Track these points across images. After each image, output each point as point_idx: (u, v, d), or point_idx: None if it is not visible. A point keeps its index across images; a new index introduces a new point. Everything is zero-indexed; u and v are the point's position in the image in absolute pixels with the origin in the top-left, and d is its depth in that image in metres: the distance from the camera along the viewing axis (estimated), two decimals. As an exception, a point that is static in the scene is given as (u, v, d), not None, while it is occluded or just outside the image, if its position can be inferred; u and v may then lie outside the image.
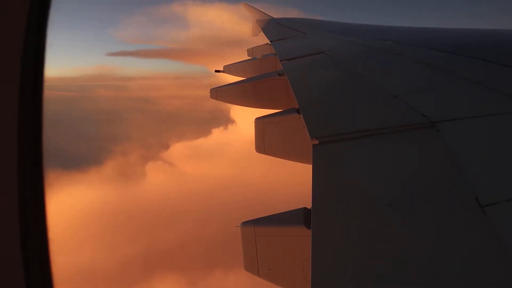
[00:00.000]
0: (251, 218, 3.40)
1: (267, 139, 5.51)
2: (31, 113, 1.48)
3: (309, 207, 2.65)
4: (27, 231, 1.44)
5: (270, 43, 12.10)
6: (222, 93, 8.46)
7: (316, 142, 3.42)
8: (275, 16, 19.68)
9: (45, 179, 1.53)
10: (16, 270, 1.41)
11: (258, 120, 5.61)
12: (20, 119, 1.41)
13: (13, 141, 1.41)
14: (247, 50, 13.88)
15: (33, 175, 1.48)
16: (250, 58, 12.65)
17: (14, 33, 1.40)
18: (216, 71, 11.36)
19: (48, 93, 1.52)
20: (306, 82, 6.36)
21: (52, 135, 1.52)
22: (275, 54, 9.80)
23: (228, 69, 11.19)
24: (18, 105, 1.40)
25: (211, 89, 8.59)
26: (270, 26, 16.39)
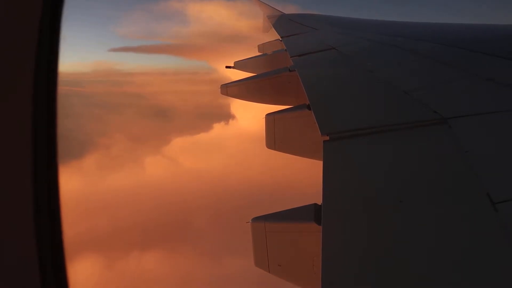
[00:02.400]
0: (261, 214, 3.41)
1: (277, 135, 5.50)
2: (45, 109, 1.50)
3: (320, 203, 2.66)
4: (41, 226, 1.46)
5: (280, 39, 12.06)
6: (233, 89, 8.45)
7: (327, 138, 3.42)
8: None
9: (59, 174, 1.55)
10: (31, 267, 1.43)
11: (269, 116, 5.60)
12: (34, 116, 1.43)
13: (27, 137, 1.43)
14: (258, 46, 13.84)
15: (47, 170, 1.50)
16: (260, 54, 12.62)
17: (29, 30, 1.42)
18: (226, 67, 11.35)
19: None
20: (316, 78, 6.34)
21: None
22: (285, 50, 9.77)
23: (238, 65, 11.17)
24: (32, 101, 1.43)
25: (221, 85, 8.59)
26: (280, 22, 16.34)
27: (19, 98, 1.43)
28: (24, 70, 1.43)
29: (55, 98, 1.54)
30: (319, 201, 2.64)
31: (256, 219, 3.36)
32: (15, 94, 1.43)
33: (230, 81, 8.73)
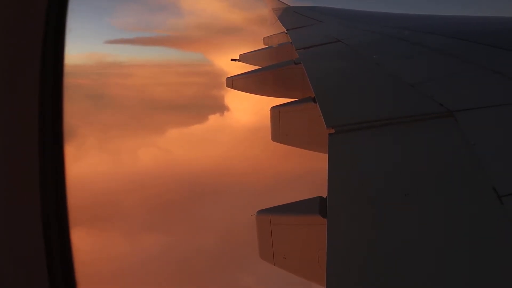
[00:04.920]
0: (266, 207, 3.41)
1: (282, 128, 5.49)
2: (51, 101, 1.51)
3: (325, 196, 2.66)
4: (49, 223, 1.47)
5: (286, 31, 12.01)
6: (238, 81, 8.44)
7: (332, 131, 3.41)
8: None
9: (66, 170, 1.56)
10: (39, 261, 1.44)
11: (274, 108, 5.60)
12: (41, 113, 1.44)
13: (34, 133, 1.44)
14: (263, 38, 13.79)
15: (54, 166, 1.51)
16: (266, 46, 12.58)
17: (35, 24, 1.43)
18: (232, 60, 11.32)
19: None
20: (322, 71, 6.32)
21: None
22: (291, 42, 9.74)
23: (244, 58, 11.15)
24: (39, 93, 1.43)
25: (227, 78, 8.59)
26: (286, 15, 16.28)
27: (26, 90, 1.44)
28: (31, 65, 1.43)
29: (62, 88, 1.55)
30: (324, 194, 2.64)
31: (261, 212, 3.36)
32: (22, 87, 1.44)
33: (232, 74, 8.71)
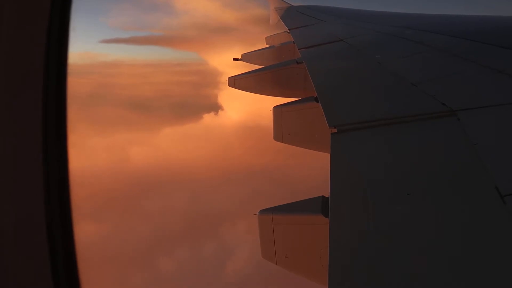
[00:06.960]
0: (269, 206, 3.41)
1: (285, 127, 5.49)
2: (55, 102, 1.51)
3: (327, 196, 2.66)
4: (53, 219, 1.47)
5: (288, 31, 12.01)
6: (240, 81, 8.45)
7: (334, 130, 3.41)
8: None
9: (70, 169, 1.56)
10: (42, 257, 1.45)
11: (276, 108, 5.60)
12: (44, 115, 1.44)
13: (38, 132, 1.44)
14: (266, 38, 13.79)
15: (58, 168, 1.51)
16: (268, 46, 12.58)
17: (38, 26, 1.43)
18: (234, 59, 11.32)
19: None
20: (324, 70, 6.32)
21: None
22: (293, 42, 9.74)
23: (246, 57, 11.15)
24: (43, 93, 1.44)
25: (229, 78, 8.59)
26: (288, 14, 16.28)
27: (28, 90, 1.45)
28: (33, 65, 1.44)
29: (65, 88, 1.55)
30: (327, 193, 2.64)
31: (264, 211, 3.36)
32: (24, 87, 1.45)
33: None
